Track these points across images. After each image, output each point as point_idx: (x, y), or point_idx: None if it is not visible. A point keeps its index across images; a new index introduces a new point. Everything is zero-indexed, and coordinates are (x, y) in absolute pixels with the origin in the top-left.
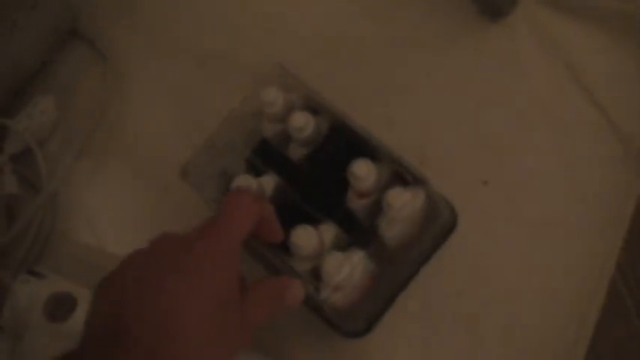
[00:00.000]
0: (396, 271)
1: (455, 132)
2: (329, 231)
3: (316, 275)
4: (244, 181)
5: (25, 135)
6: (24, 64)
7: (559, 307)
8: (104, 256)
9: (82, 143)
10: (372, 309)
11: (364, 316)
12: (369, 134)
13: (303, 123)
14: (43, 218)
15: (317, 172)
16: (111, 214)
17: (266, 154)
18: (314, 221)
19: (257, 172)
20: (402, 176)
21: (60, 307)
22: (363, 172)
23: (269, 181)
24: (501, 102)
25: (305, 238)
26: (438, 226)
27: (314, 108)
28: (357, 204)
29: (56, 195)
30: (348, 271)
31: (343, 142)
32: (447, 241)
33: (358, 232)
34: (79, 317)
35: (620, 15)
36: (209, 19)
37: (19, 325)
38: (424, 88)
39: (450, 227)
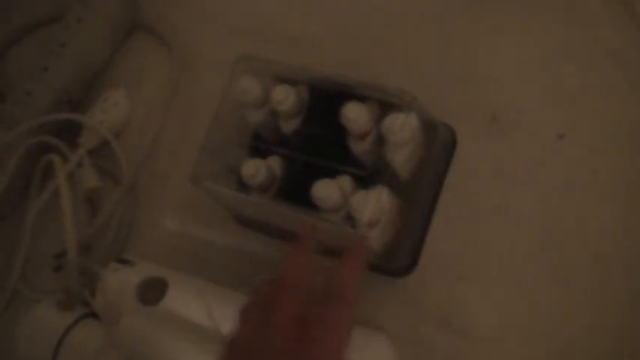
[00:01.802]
0: (418, 198)
1: (525, 88)
2: (345, 179)
3: (350, 222)
4: (253, 164)
5: (100, 129)
6: (92, 58)
7: None
8: (188, 239)
9: (157, 131)
10: (410, 242)
11: (406, 251)
12: (349, 79)
13: (283, 95)
14: (125, 208)
15: (315, 132)
16: (191, 198)
17: (263, 139)
18: (329, 176)
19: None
20: (392, 104)
21: (151, 291)
22: (354, 113)
23: (275, 160)
24: (571, 56)
25: (326, 188)
26: (439, 143)
27: (290, 79)
28: (360, 147)
29: (136, 184)
30: (375, 202)
31: (328, 97)
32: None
33: (371, 171)
34: (170, 299)
35: None
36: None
37: (113, 311)
38: (489, 47)
39: (452, 143)
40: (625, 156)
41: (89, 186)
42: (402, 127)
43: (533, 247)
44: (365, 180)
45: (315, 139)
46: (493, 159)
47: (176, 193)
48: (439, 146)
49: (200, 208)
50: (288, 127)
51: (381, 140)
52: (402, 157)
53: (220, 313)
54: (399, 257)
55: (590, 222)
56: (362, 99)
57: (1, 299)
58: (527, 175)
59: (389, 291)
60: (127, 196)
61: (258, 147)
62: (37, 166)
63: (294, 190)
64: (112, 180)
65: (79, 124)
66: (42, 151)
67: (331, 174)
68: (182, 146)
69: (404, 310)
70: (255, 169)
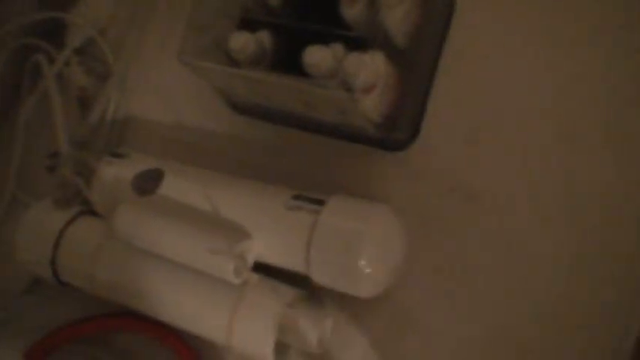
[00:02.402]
0: (417, 66)
1: None
2: (338, 46)
3: (346, 88)
4: (241, 36)
5: (84, 25)
6: None
7: None
8: (184, 130)
9: (144, 21)
10: (411, 112)
11: (407, 121)
12: None
13: None
14: (117, 103)
15: (304, 1)
16: (182, 87)
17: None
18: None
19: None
20: None
21: (147, 181)
22: None
23: (265, 34)
24: None
25: (318, 53)
26: (436, 6)
27: None
28: (352, 12)
29: (125, 79)
30: (370, 64)
31: None
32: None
33: (364, 35)
34: (166, 187)
35: None
36: None
37: (111, 205)
38: None
39: (450, 6)
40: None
41: (78, 84)
42: None
43: (543, 103)
44: (359, 47)
45: (305, 7)
46: (494, 20)
47: (167, 84)
48: (436, 10)
49: (194, 98)
50: None
51: (373, 4)
52: (395, 18)
53: (218, 196)
54: (400, 128)
55: (599, 76)
56: None
57: (0, 206)
58: (530, 33)
59: (392, 164)
60: (117, 91)
61: (247, 21)
62: (24, 69)
63: (286, 61)
64: (101, 77)
65: (65, 24)
66: (29, 54)
67: (323, 42)
68: (170, 35)
69: (409, 182)
70: (244, 41)
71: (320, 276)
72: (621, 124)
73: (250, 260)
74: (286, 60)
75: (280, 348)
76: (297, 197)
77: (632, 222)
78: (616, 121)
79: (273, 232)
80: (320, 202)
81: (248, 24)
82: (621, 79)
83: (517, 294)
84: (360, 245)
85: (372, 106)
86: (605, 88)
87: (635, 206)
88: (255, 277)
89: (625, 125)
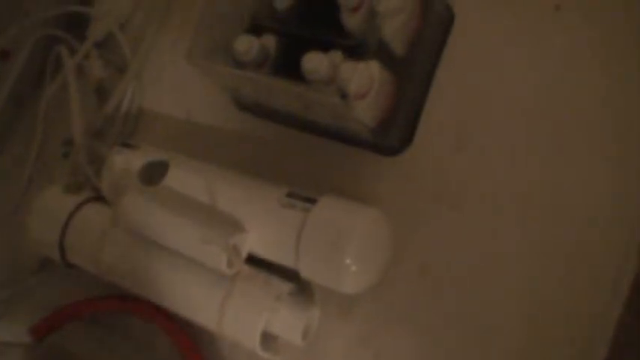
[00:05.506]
0: (414, 74)
1: None
2: (337, 54)
3: (341, 94)
4: (246, 40)
5: (106, 20)
6: None
7: None
8: (190, 124)
9: (161, 19)
10: (406, 118)
11: (401, 127)
12: None
13: None
14: (132, 97)
15: (308, 8)
16: (193, 85)
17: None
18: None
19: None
20: None
21: (154, 172)
22: None
23: (269, 38)
24: None
25: (315, 60)
26: (434, 16)
27: None
28: (353, 21)
29: (141, 73)
30: (363, 71)
31: None
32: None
33: (361, 42)
34: (170, 179)
35: None
36: None
37: (118, 193)
38: None
39: (449, 17)
40: (621, 24)
41: (96, 76)
42: None
43: (532, 115)
44: (357, 54)
45: (308, 15)
46: (492, 30)
47: (179, 81)
48: (434, 19)
49: (203, 96)
50: (281, 4)
51: (374, 14)
52: (392, 28)
53: (218, 190)
54: (394, 134)
55: (587, 89)
56: None
57: (18, 187)
58: (526, 45)
59: (385, 168)
60: (133, 84)
61: (253, 27)
62: (48, 59)
63: (288, 66)
64: (118, 70)
65: (87, 18)
66: (53, 45)
67: (324, 50)
68: (184, 35)
69: (400, 186)
70: (249, 45)
71: (308, 271)
72: (608, 133)
73: (243, 253)
74: (289, 64)
75: (267, 338)
76: (290, 195)
77: (609, 221)
78: (602, 130)
79: (267, 227)
80: (311, 201)
81: (256, 28)
82: (610, 88)
83: (501, 293)
84: (347, 244)
85: (365, 111)
86: (595, 98)
87: (615, 206)
88: (246, 269)
89: (611, 134)
